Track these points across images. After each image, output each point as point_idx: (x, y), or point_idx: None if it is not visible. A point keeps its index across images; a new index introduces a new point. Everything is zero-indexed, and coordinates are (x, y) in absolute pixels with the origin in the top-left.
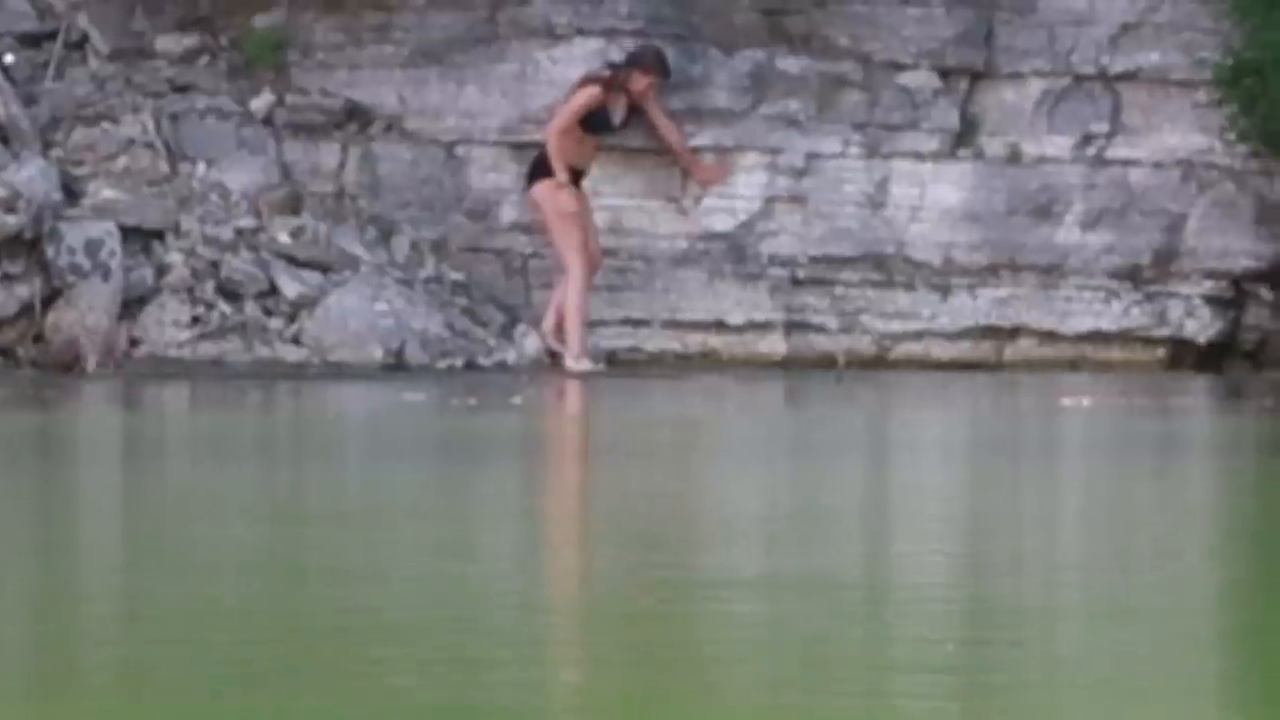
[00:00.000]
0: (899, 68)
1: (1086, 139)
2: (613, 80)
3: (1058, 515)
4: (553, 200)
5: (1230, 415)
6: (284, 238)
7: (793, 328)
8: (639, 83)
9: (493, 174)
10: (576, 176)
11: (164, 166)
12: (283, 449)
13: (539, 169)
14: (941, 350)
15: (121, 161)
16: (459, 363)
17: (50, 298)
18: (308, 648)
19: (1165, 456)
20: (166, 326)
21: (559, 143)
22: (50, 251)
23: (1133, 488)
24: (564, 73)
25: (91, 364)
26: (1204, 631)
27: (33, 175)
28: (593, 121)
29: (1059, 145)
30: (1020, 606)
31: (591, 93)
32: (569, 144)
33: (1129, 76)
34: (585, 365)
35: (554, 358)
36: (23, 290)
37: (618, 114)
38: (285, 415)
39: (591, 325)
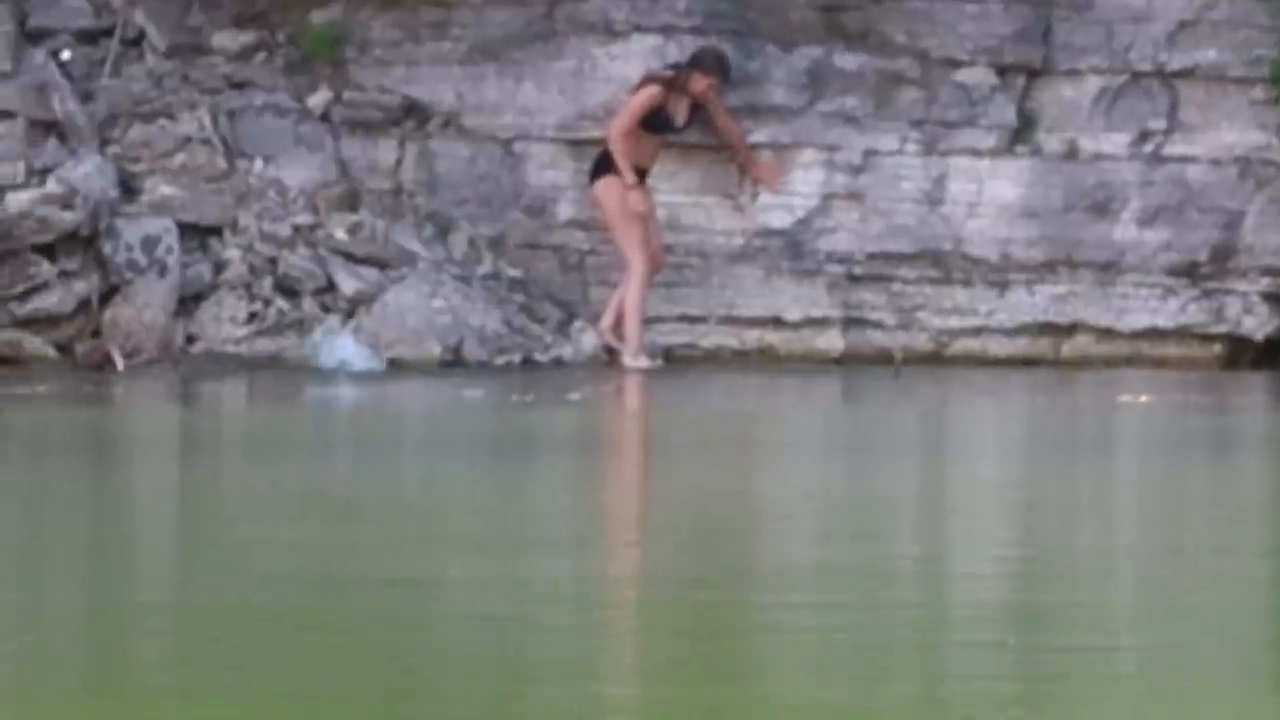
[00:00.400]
0: (956, 64)
1: (1143, 136)
2: (674, 81)
3: (1118, 512)
4: (619, 199)
5: None
6: (341, 234)
7: (850, 324)
8: (699, 84)
9: (550, 170)
10: (640, 175)
11: (221, 163)
12: (347, 446)
13: (601, 166)
14: (999, 346)
15: (179, 158)
16: (516, 359)
17: (108, 294)
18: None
19: (1223, 453)
20: (224, 323)
21: (623, 143)
22: (107, 248)
23: (1193, 484)
24: (622, 69)
25: (120, 363)
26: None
27: (90, 172)
28: (654, 121)
29: (1116, 142)
30: (1080, 604)
31: (652, 93)
32: (630, 143)
33: (1186, 73)
34: (643, 362)
35: (611, 354)
36: (80, 287)
37: (680, 114)
38: (346, 412)
39: (648, 322)
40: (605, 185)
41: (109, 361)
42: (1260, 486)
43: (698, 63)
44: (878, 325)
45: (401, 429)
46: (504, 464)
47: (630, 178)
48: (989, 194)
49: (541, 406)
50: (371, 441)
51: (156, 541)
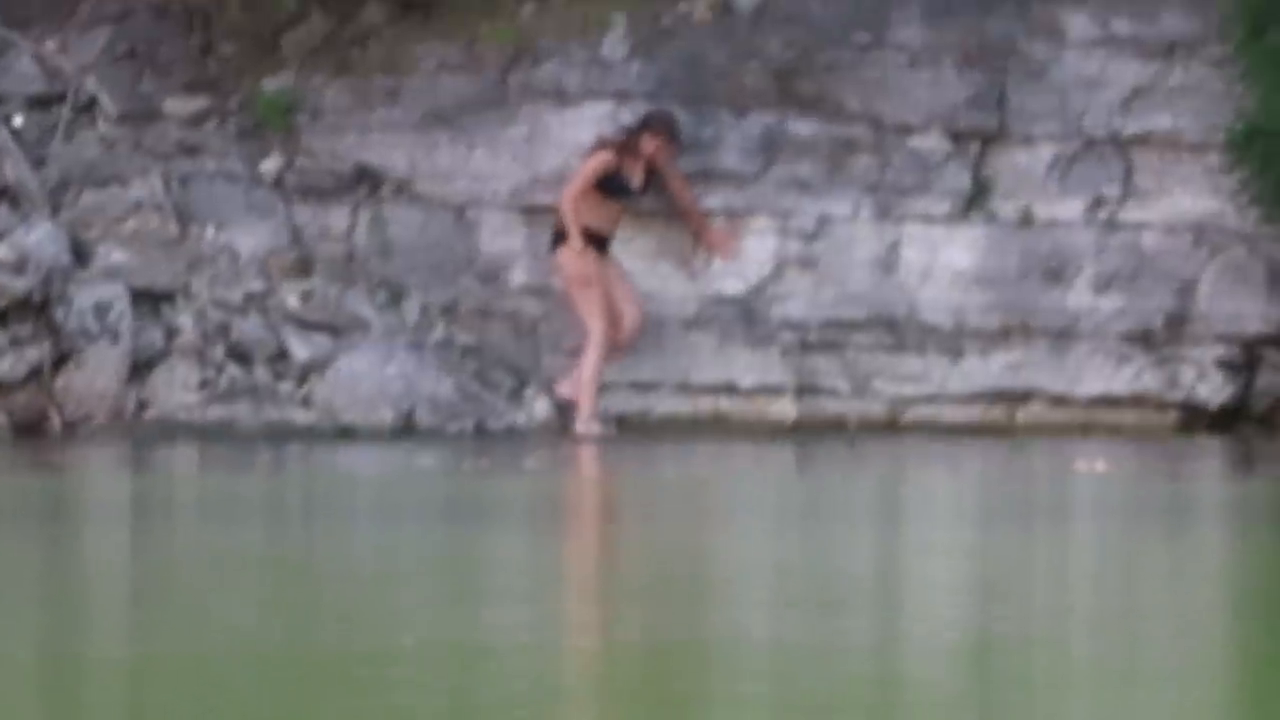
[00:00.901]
0: (910, 131)
1: (1098, 202)
2: (625, 144)
3: (1074, 581)
4: (571, 265)
5: (1245, 480)
6: (294, 301)
7: (804, 391)
8: (649, 145)
9: (503, 237)
10: (601, 241)
11: (173, 229)
12: (304, 513)
13: (560, 234)
14: (953, 414)
15: (131, 224)
16: (469, 426)
17: (59, 361)
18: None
19: (1181, 522)
20: (176, 389)
21: (573, 207)
22: (59, 315)
23: (1150, 553)
24: (574, 136)
25: (59, 425)
26: (1217, 697)
27: (41, 238)
28: (610, 186)
29: (1071, 208)
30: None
31: (603, 158)
32: (588, 208)
33: (1141, 140)
34: (595, 429)
35: (565, 412)
36: (32, 354)
37: (635, 178)
38: (301, 479)
39: (602, 388)
40: (564, 252)
41: (45, 422)
42: (1219, 555)
43: (647, 124)
44: (832, 393)
45: (356, 496)
46: (458, 531)
47: (577, 242)
48: (943, 261)
49: (497, 475)
50: (326, 508)
51: (105, 604)
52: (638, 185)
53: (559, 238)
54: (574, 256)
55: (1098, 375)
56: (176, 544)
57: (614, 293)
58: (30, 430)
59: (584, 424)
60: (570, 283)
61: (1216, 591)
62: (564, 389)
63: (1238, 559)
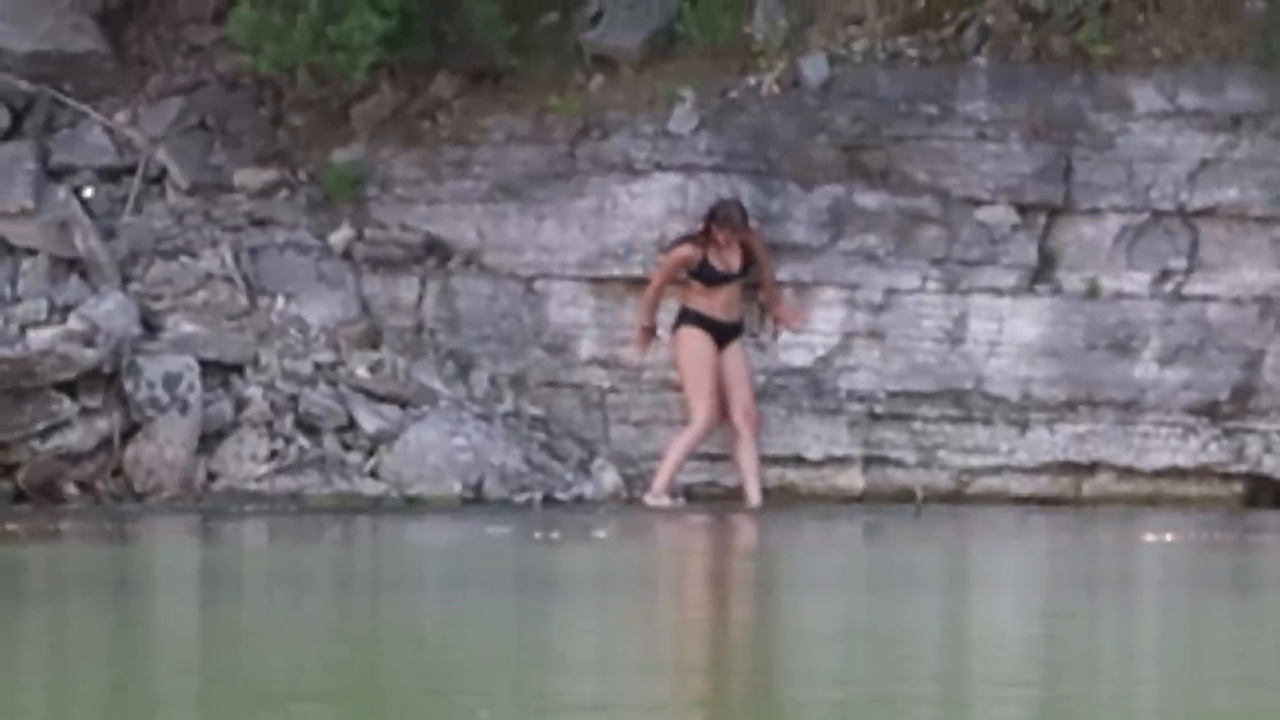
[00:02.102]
0: (977, 203)
1: (1164, 274)
2: (702, 236)
3: (1148, 650)
4: (686, 349)
5: None
6: (362, 372)
7: (871, 462)
8: (719, 235)
9: (571, 308)
10: (713, 326)
11: (243, 300)
12: (390, 586)
13: (678, 319)
14: (1020, 485)
15: (200, 295)
16: (537, 496)
17: (129, 431)
18: None
19: (1248, 593)
20: (245, 460)
21: (653, 297)
22: (129, 385)
23: (1219, 622)
24: (643, 208)
25: (73, 489)
26: None
27: (111, 309)
28: (706, 274)
29: (1137, 281)
30: None
31: (681, 252)
32: (694, 295)
33: (1207, 212)
34: (664, 501)
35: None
36: (102, 424)
37: (731, 262)
38: (380, 551)
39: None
40: (675, 336)
41: (56, 489)
42: None
43: (713, 217)
44: (898, 464)
45: (433, 566)
46: (536, 600)
47: (647, 324)
48: (1009, 332)
49: (567, 544)
50: (416, 581)
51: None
52: (737, 267)
53: (679, 322)
54: (687, 341)
55: (1164, 447)
56: (244, 616)
57: (727, 380)
58: (99, 499)
59: (654, 496)
60: (680, 365)
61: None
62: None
63: None
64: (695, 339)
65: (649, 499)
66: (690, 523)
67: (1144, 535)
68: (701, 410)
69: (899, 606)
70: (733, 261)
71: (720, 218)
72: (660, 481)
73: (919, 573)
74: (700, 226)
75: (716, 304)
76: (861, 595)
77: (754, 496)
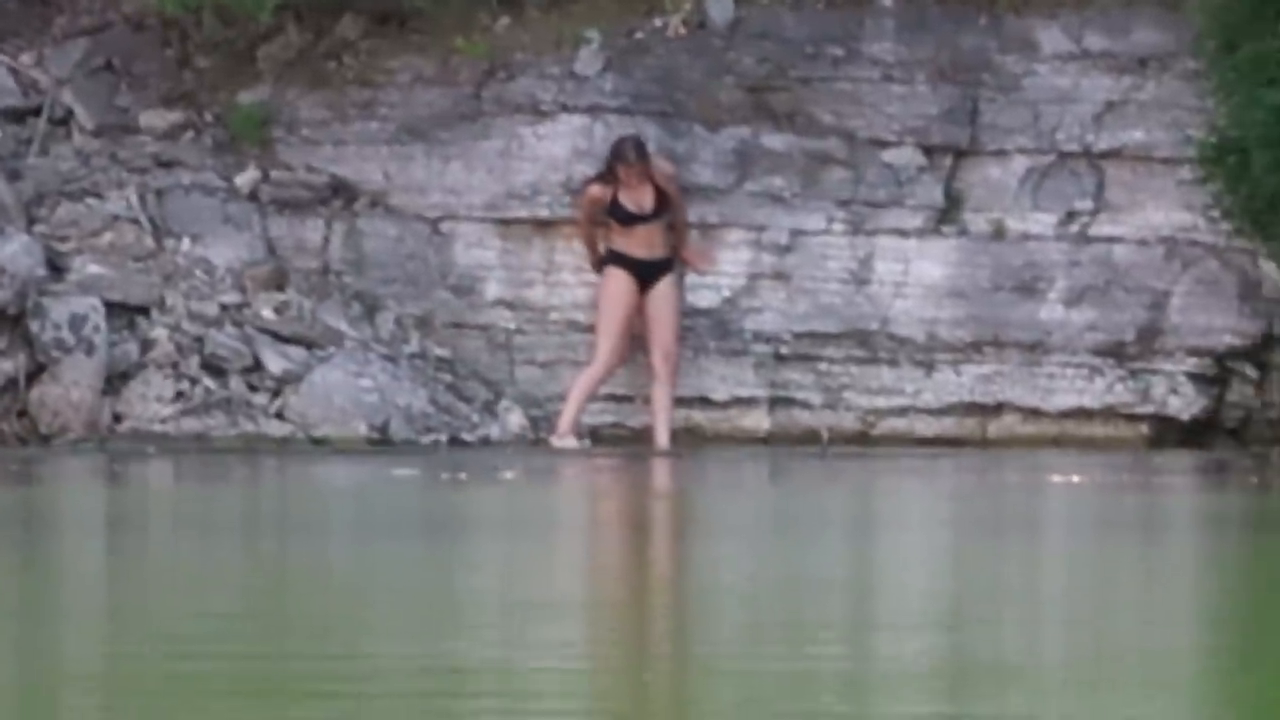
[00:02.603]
0: (883, 145)
1: (1070, 216)
2: (609, 175)
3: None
4: (603, 286)
5: (1218, 492)
6: (268, 313)
7: (777, 403)
8: (621, 171)
9: (477, 250)
10: (635, 265)
11: (149, 242)
12: (298, 526)
13: (605, 259)
14: (925, 426)
15: (106, 237)
16: (443, 438)
17: (34, 373)
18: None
19: (1156, 533)
20: (151, 402)
21: (582, 234)
22: (34, 327)
23: (1129, 563)
24: (549, 149)
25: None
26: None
27: (16, 251)
28: (620, 214)
29: (1043, 222)
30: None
31: (591, 192)
32: (614, 236)
33: (1113, 154)
34: (570, 443)
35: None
36: (6, 365)
37: (643, 202)
38: (288, 493)
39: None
40: (603, 275)
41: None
42: (1195, 564)
43: (613, 154)
44: (804, 405)
45: (343, 508)
46: (447, 544)
47: (593, 260)
48: (915, 274)
49: (474, 485)
50: (325, 522)
51: (81, 614)
52: (650, 207)
53: (604, 262)
54: (605, 278)
55: (1069, 388)
56: (150, 557)
57: (649, 320)
58: (4, 440)
59: (559, 437)
60: (598, 301)
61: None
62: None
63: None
64: (614, 279)
65: (554, 440)
66: (596, 464)
67: (1051, 476)
68: (604, 350)
69: (804, 549)
70: (644, 201)
71: (614, 151)
72: (565, 422)
73: (826, 515)
74: (603, 170)
75: (635, 242)
76: (767, 538)
77: (662, 439)
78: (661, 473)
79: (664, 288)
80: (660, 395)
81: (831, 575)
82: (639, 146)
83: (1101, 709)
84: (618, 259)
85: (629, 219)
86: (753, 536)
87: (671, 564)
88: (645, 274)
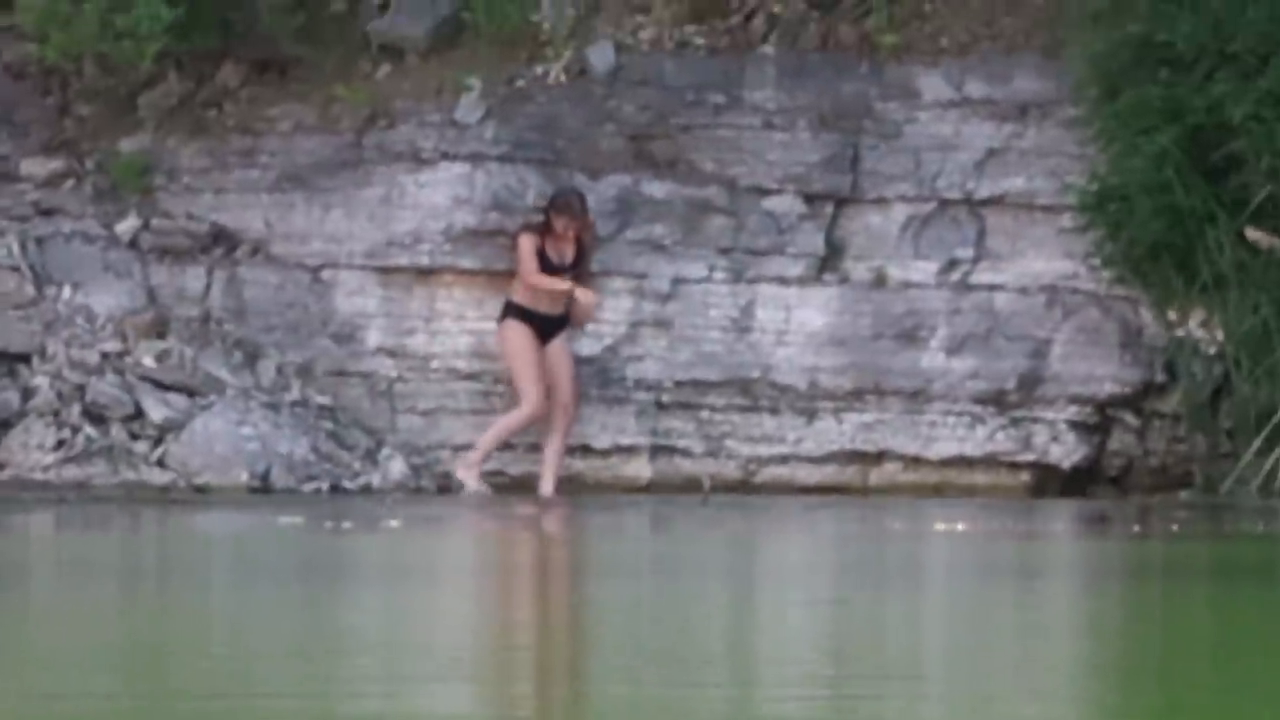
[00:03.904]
0: (764, 192)
1: (951, 264)
2: (543, 227)
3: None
4: (513, 340)
5: (1103, 540)
6: (150, 361)
7: (658, 451)
8: (558, 224)
9: (358, 298)
10: (538, 319)
11: (29, 290)
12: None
13: (505, 311)
14: (807, 474)
15: None
16: (324, 486)
17: None
18: None
19: (1045, 580)
20: (32, 450)
21: (541, 281)
22: None
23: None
24: (430, 197)
25: None
26: None
27: None
28: (544, 265)
29: (924, 270)
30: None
31: (529, 239)
32: (522, 290)
33: (994, 201)
34: (473, 478)
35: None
36: None
37: (566, 254)
38: (173, 542)
39: (456, 451)
40: (504, 330)
41: None
42: (1092, 610)
43: (553, 206)
44: (686, 453)
45: (229, 556)
46: (337, 591)
47: (563, 286)
48: (797, 322)
49: (360, 533)
50: (204, 570)
51: None
52: (570, 260)
53: (504, 315)
54: (514, 332)
55: (951, 436)
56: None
57: (550, 374)
58: None
59: (466, 467)
60: (509, 356)
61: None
62: (545, 492)
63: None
64: (517, 331)
65: (460, 469)
66: (481, 511)
67: (935, 525)
68: (531, 395)
69: (684, 596)
70: (568, 253)
71: (559, 205)
72: (477, 455)
73: (706, 562)
74: (539, 218)
75: (541, 297)
76: (647, 584)
77: (547, 488)
78: (550, 521)
79: (560, 343)
80: (554, 445)
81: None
82: (583, 200)
83: None
84: (521, 313)
85: (552, 271)
86: (631, 582)
87: (556, 609)
88: (546, 329)
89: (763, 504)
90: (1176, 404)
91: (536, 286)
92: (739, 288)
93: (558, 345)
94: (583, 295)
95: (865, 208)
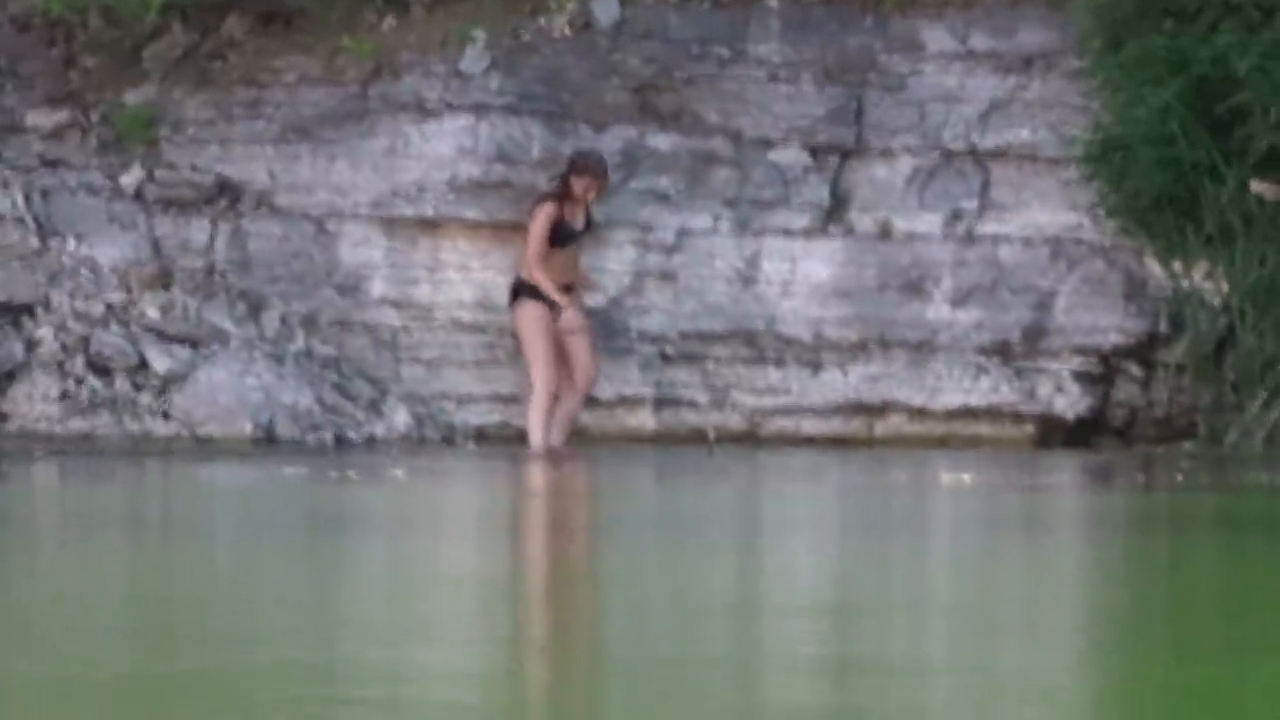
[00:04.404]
0: (769, 144)
1: (956, 215)
2: (562, 192)
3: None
4: (530, 322)
5: (1108, 492)
6: (154, 313)
7: (663, 403)
8: (578, 187)
9: (363, 248)
10: (565, 289)
11: (34, 241)
12: (198, 532)
13: (517, 290)
14: (812, 426)
15: None
16: (328, 437)
17: None
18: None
19: (1052, 533)
20: (36, 401)
21: (540, 270)
22: None
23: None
24: (434, 148)
25: None
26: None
27: None
28: (558, 236)
29: (929, 222)
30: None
31: (549, 211)
32: (545, 265)
33: (998, 153)
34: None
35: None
36: None
37: (578, 220)
38: (181, 495)
39: (460, 402)
40: (518, 309)
41: None
42: (1092, 562)
43: (574, 168)
44: (691, 404)
45: (238, 508)
46: (347, 542)
47: (560, 300)
48: (802, 273)
49: (368, 483)
50: (213, 524)
51: None
52: (581, 226)
53: (514, 293)
54: (534, 314)
55: (955, 388)
56: (38, 559)
57: (566, 342)
58: None
59: (536, 454)
60: (524, 339)
61: (1076, 597)
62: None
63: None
64: (533, 313)
65: (533, 459)
66: (487, 464)
67: (941, 476)
68: (539, 378)
69: (698, 553)
70: (580, 217)
71: (580, 166)
72: (535, 449)
73: (715, 515)
74: (557, 182)
75: (559, 267)
76: (654, 537)
77: (557, 439)
78: (562, 472)
79: (574, 312)
80: (570, 405)
81: (720, 574)
82: (604, 162)
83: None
84: (534, 292)
85: (568, 237)
86: (640, 536)
87: (560, 557)
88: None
89: (769, 455)
90: (1181, 355)
91: (537, 283)
92: (744, 240)
93: (572, 316)
94: (565, 321)
95: (870, 160)
